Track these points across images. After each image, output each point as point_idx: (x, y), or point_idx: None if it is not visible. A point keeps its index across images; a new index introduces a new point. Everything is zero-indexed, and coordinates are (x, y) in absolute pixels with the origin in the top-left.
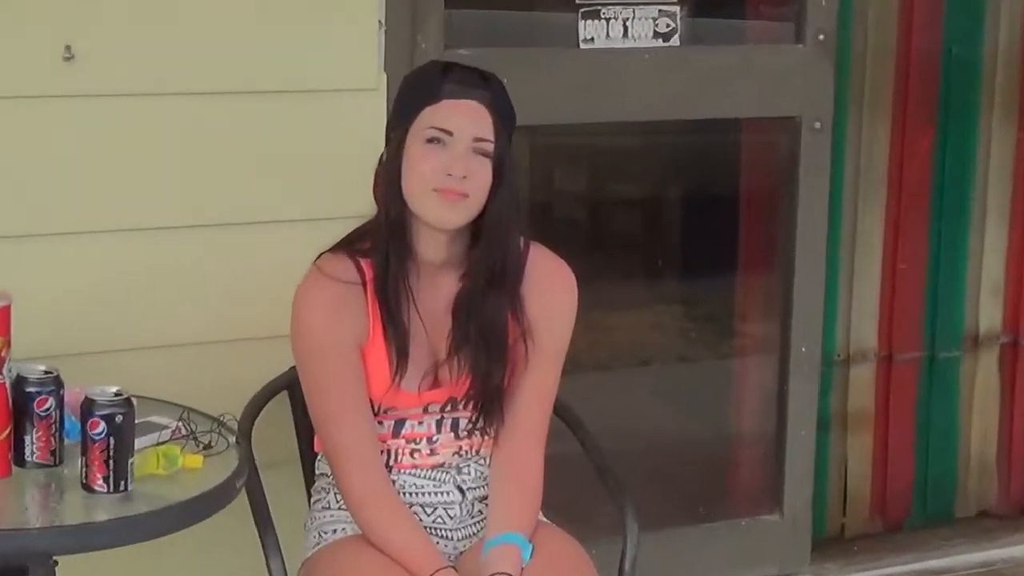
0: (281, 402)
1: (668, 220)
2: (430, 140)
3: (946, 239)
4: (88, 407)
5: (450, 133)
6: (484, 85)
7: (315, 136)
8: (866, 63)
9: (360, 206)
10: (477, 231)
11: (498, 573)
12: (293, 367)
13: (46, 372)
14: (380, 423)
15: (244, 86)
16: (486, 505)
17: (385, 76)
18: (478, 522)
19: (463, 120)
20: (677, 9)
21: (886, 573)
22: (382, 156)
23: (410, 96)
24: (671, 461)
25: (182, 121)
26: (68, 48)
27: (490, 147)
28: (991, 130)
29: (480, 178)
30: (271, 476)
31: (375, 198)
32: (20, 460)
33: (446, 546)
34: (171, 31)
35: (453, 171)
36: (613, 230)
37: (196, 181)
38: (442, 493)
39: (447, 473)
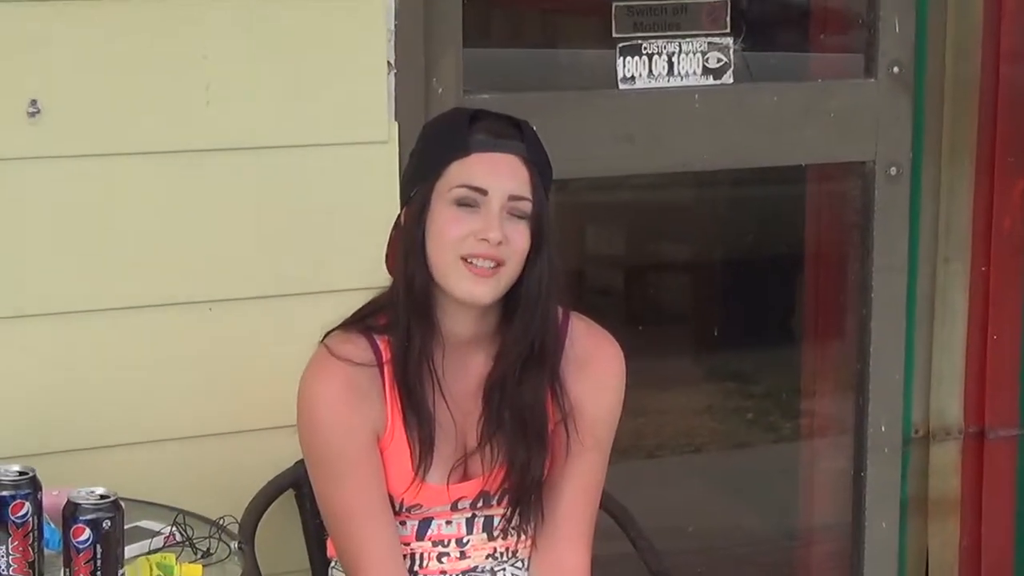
0: (288, 502)
1: (722, 285)
2: (460, 201)
3: None
4: (71, 512)
5: (484, 192)
6: (518, 135)
7: (318, 197)
8: (945, 98)
9: (372, 277)
10: (510, 301)
11: None
12: (300, 461)
13: (21, 473)
14: (402, 523)
15: (235, 142)
16: None
17: (396, 126)
18: None
19: (498, 177)
20: (730, 41)
21: None
22: (398, 219)
23: (433, 149)
24: (732, 561)
25: (166, 183)
26: (34, 103)
27: (528, 207)
28: None
29: (517, 243)
30: None
31: (388, 267)
32: None
33: None
34: (154, 83)
35: (488, 236)
36: (659, 298)
37: (184, 252)
38: None
39: None
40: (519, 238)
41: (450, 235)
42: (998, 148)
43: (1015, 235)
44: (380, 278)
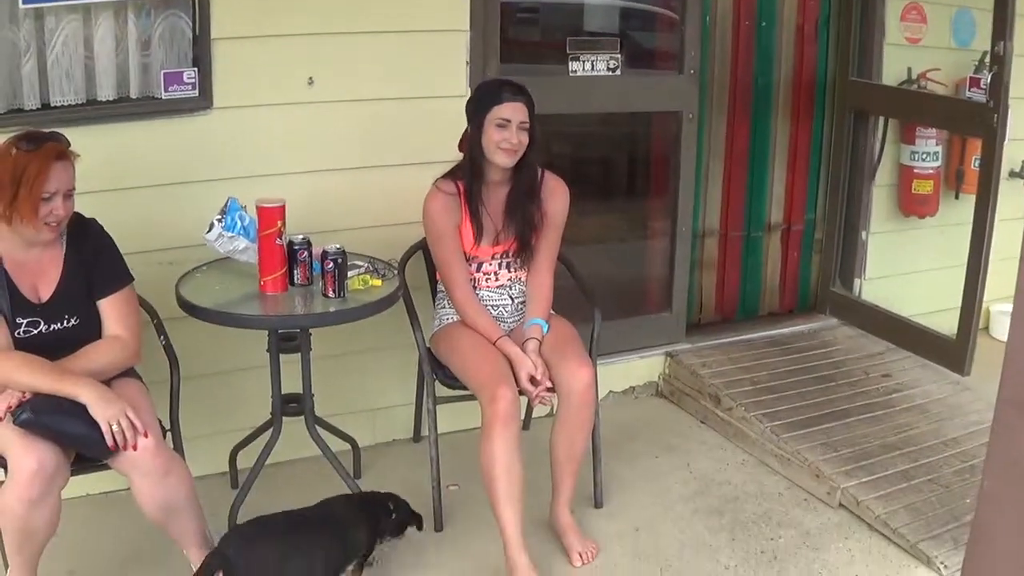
0: (420, 255)
1: (614, 168)
2: (498, 124)
3: (755, 176)
4: (324, 255)
5: (509, 121)
6: (522, 92)
7: (435, 118)
8: (713, 84)
9: (454, 155)
10: (518, 166)
11: (530, 338)
12: (424, 237)
13: (303, 239)
14: (470, 264)
15: (399, 94)
16: (524, 305)
17: (469, 89)
18: (521, 314)
19: (515, 114)
20: (620, 56)
21: (723, 341)
22: (466, 131)
23: (484, 99)
24: (617, 288)
25: (370, 114)
26: (311, 79)
27: (527, 126)
28: (777, 123)
29: (524, 142)
30: (415, 292)
31: (460, 150)
32: (291, 283)
33: (504, 326)
34: (362, 68)
35: (511, 141)
36: (584, 173)
37: (375, 144)
38: (502, 299)
39: (504, 289)
40: (524, 139)
41: (494, 139)
42: (736, 109)
43: (741, 148)
44: (455, 155)
